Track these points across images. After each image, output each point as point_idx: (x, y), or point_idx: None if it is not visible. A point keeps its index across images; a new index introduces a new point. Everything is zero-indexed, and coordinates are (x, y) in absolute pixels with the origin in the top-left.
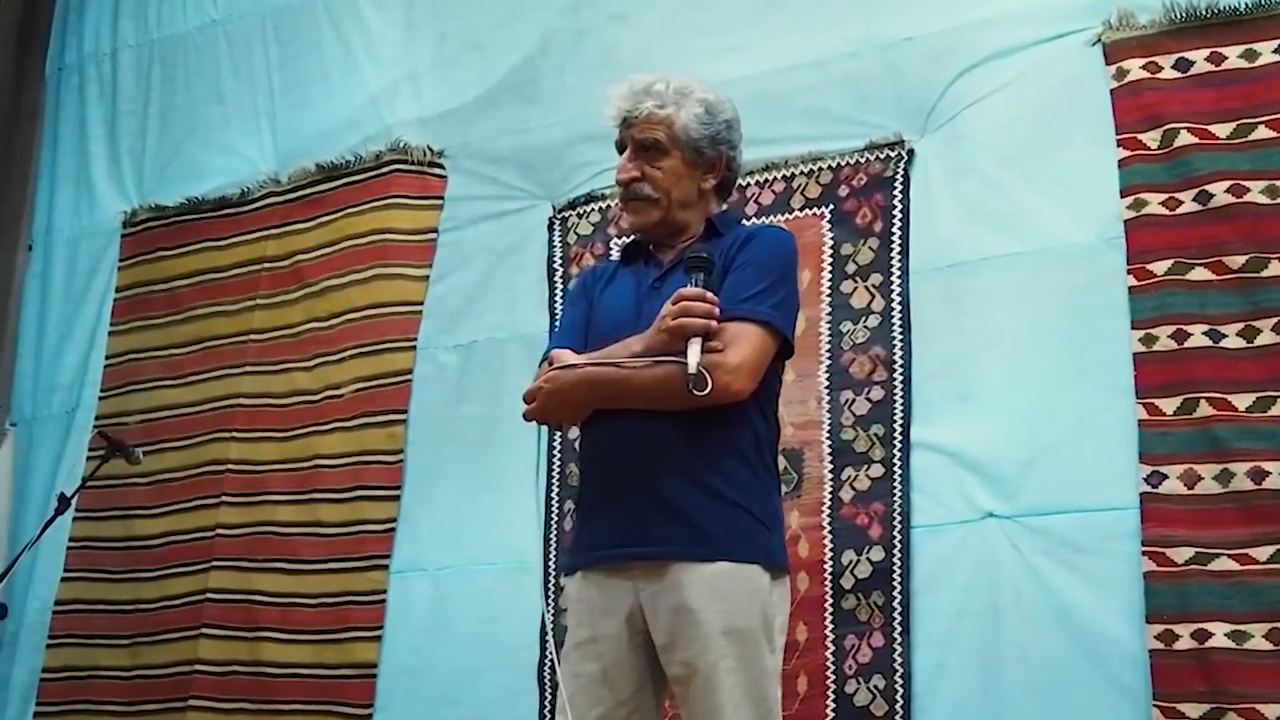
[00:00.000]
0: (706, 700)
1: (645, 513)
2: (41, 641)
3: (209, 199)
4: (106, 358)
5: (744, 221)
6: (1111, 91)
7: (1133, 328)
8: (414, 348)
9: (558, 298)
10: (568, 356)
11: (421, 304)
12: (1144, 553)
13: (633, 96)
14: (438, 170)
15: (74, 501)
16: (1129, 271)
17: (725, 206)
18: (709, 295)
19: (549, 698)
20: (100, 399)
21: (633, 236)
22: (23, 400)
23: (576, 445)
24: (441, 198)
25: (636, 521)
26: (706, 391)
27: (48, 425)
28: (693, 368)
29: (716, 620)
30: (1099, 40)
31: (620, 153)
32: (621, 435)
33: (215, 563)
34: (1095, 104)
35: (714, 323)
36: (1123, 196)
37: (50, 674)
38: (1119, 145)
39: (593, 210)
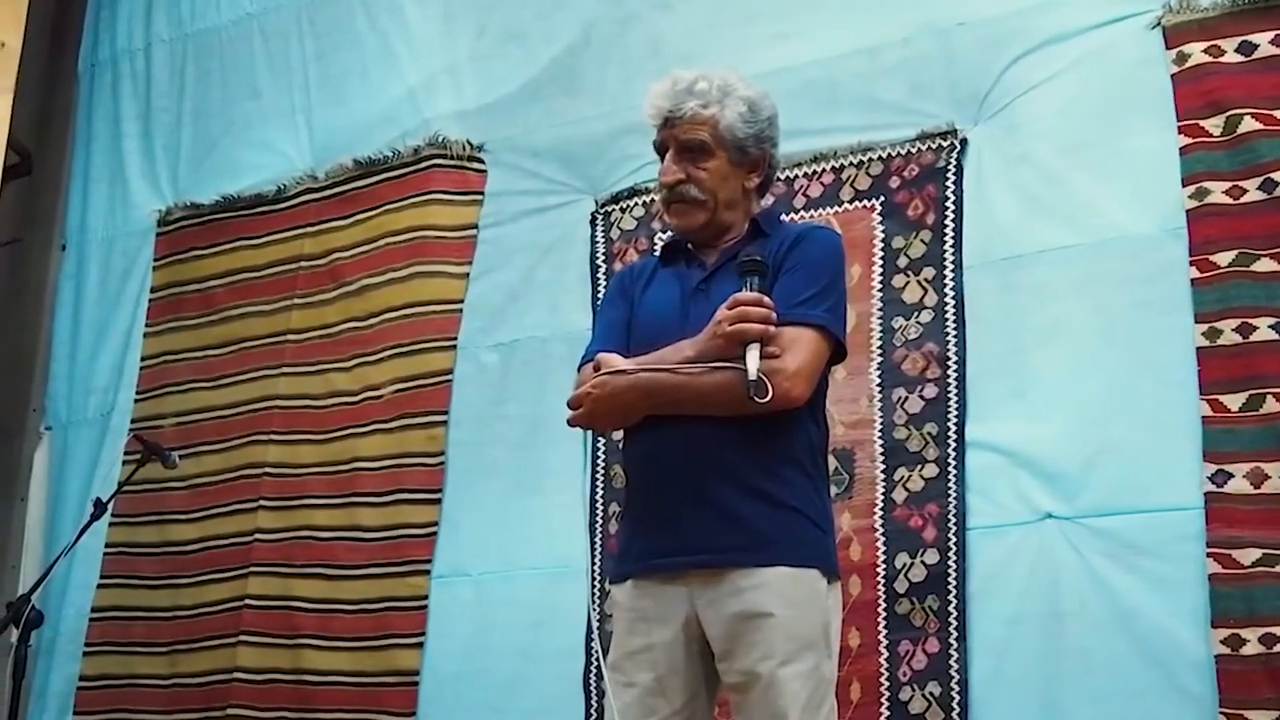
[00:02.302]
0: (768, 708)
1: (701, 520)
2: (78, 649)
3: (244, 196)
4: (142, 360)
5: (785, 217)
6: (1172, 76)
7: (1196, 321)
8: (454, 347)
9: (601, 294)
10: (616, 360)
11: (462, 302)
12: (1209, 554)
13: (675, 96)
14: (477, 165)
15: (110, 506)
16: (1191, 263)
17: (771, 201)
18: (765, 300)
19: (595, 706)
20: (136, 402)
21: (672, 236)
22: (58, 404)
23: (620, 447)
24: (481, 193)
25: (692, 529)
26: (768, 399)
27: (83, 429)
28: (753, 374)
29: (778, 626)
30: (1159, 23)
31: (659, 153)
32: (673, 441)
33: (253, 568)
34: (1155, 89)
35: (771, 328)
36: (1184, 185)
37: (87, 682)
38: (1180, 132)
39: (636, 204)
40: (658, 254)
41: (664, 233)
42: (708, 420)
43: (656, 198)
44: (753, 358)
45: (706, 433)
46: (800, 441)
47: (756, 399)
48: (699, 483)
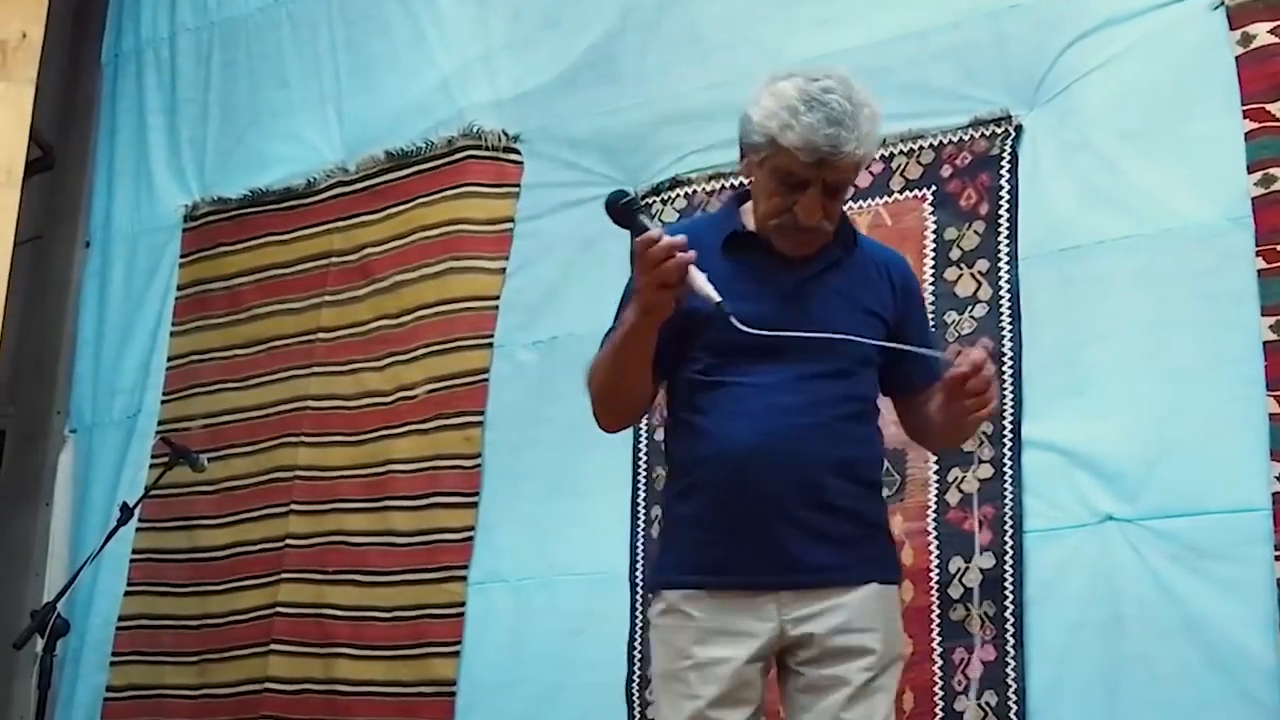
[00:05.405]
0: (845, 713)
1: (797, 535)
2: (105, 659)
3: (273, 190)
4: (168, 359)
5: None
6: (1236, 59)
7: (1262, 314)
8: (490, 345)
9: None
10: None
11: (498, 298)
12: (1278, 557)
13: (835, 138)
14: (514, 156)
15: (137, 511)
16: (1258, 253)
17: None
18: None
19: (638, 717)
20: (162, 403)
21: (744, 229)
22: (82, 405)
23: (675, 443)
24: (518, 185)
25: (789, 544)
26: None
27: (108, 431)
28: (717, 296)
29: (870, 642)
30: (1222, 3)
31: (787, 181)
32: (767, 453)
33: (285, 575)
34: (1218, 72)
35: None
36: (1250, 172)
37: (114, 693)
38: (1245, 117)
39: (678, 196)
40: (717, 240)
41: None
42: (806, 436)
43: (773, 221)
44: (701, 282)
45: (805, 447)
46: (880, 458)
47: (739, 323)
48: (796, 497)
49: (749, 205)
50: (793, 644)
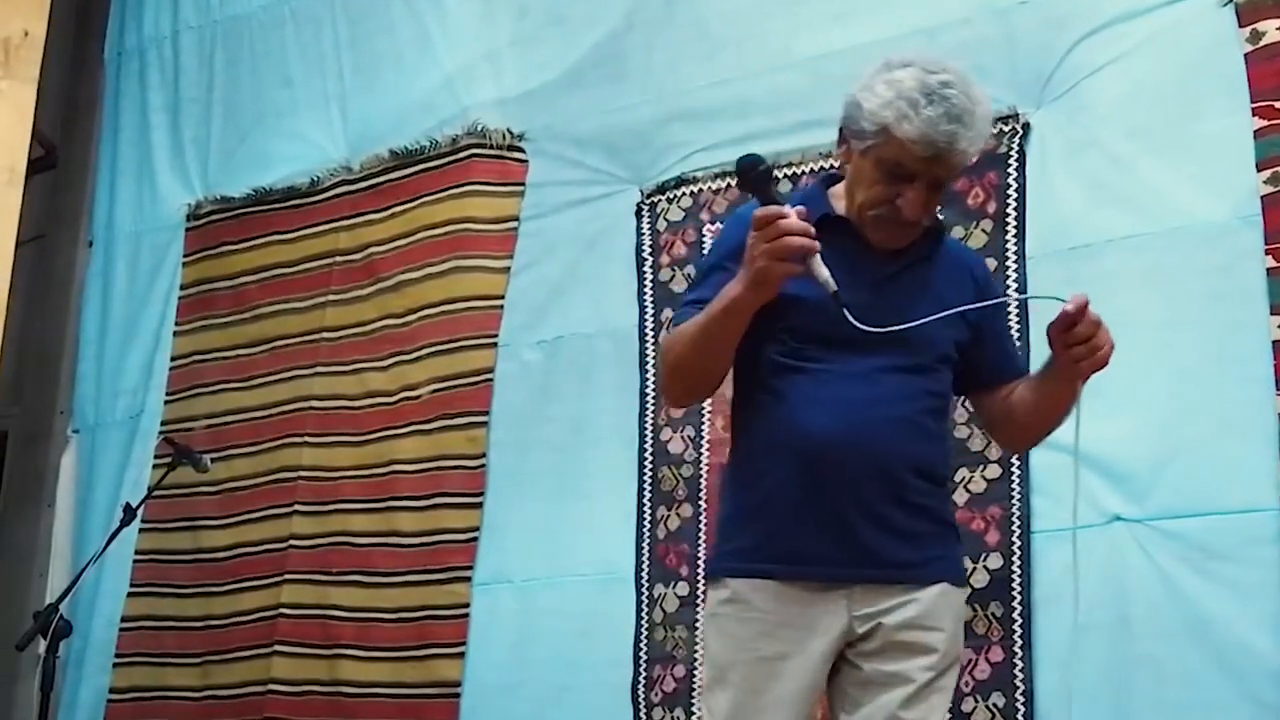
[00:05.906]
0: (907, 713)
1: (873, 530)
2: (108, 660)
3: (277, 189)
4: (171, 359)
5: None
6: (1245, 56)
7: (1271, 313)
8: (495, 345)
9: (647, 288)
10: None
11: (502, 298)
12: None
13: (953, 134)
14: (518, 154)
15: (140, 512)
16: (1267, 252)
17: None
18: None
19: (643, 717)
20: (166, 403)
21: (833, 213)
22: (85, 406)
23: (739, 427)
24: (523, 184)
25: (864, 539)
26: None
27: (111, 432)
28: (834, 284)
29: (935, 641)
30: (1231, 0)
31: (893, 172)
32: (847, 442)
33: (288, 576)
34: (1228, 70)
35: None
36: (1259, 170)
37: (118, 695)
38: (1254, 114)
39: (684, 194)
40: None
41: (712, 223)
42: (887, 429)
43: (872, 211)
44: (820, 266)
45: (886, 440)
46: (949, 456)
47: (850, 313)
48: (874, 490)
49: (837, 189)
50: (856, 638)
